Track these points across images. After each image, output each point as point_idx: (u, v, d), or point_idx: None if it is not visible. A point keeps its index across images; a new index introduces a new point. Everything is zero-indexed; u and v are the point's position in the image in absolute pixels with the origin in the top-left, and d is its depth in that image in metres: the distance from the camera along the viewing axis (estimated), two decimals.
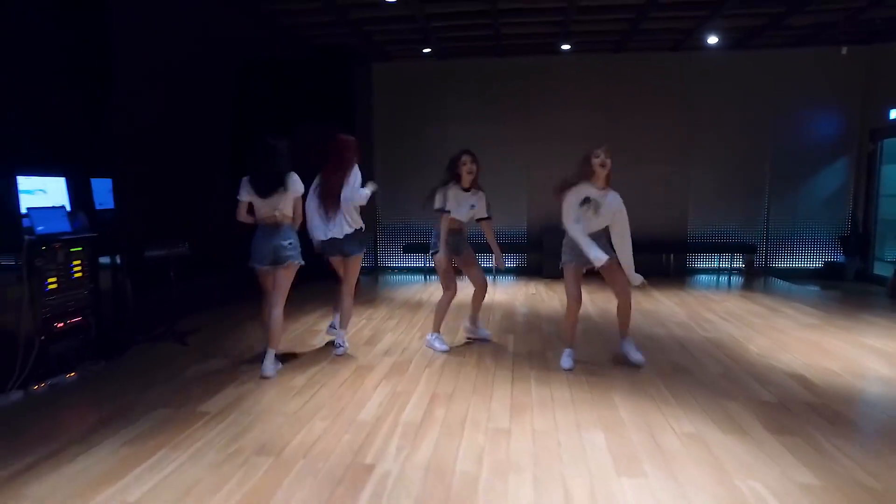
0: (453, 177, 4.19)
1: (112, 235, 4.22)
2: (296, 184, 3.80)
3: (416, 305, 6.17)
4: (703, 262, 8.54)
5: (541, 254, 8.23)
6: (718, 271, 8.39)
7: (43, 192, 3.87)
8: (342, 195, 4.09)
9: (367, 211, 4.42)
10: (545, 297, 6.70)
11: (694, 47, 7.72)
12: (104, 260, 4.16)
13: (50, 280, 3.61)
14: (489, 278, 4.83)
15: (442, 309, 4.40)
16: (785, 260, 8.31)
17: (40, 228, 3.61)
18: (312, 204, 4.15)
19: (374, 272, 8.71)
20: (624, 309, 3.92)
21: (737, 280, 7.88)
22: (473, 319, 4.60)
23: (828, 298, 6.58)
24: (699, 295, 6.70)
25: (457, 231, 4.27)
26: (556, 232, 7.94)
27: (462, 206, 4.21)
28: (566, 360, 3.92)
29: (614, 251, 3.81)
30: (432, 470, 2.48)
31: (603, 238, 3.81)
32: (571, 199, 3.69)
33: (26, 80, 3.78)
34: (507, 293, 6.87)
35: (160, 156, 5.51)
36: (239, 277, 6.32)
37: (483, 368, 3.92)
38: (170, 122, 5.70)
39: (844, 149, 7.96)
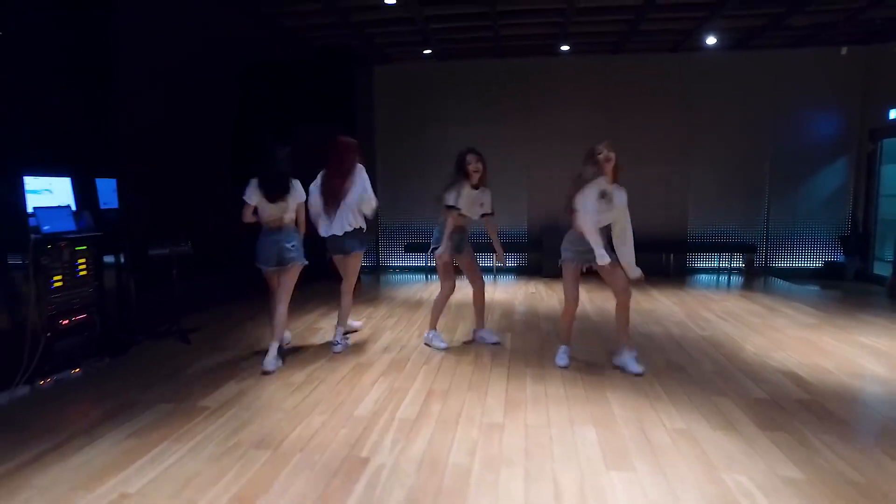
0: (463, 175, 4.20)
1: (116, 234, 4.29)
2: (298, 189, 4.02)
3: (416, 304, 6.23)
4: (703, 262, 8.57)
5: (541, 253, 8.28)
6: (718, 271, 8.41)
7: (49, 192, 3.94)
8: (350, 197, 4.22)
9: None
10: (544, 295, 6.74)
11: (693, 48, 7.75)
12: (108, 259, 4.24)
13: (55, 278, 3.69)
14: (490, 278, 4.89)
15: (439, 306, 4.45)
16: (785, 260, 8.33)
17: (46, 228, 3.68)
18: (315, 203, 4.27)
19: (375, 271, 8.79)
20: (623, 310, 3.83)
21: (737, 280, 7.90)
22: (480, 324, 4.59)
23: (827, 298, 6.59)
24: (698, 294, 6.74)
25: (461, 229, 4.31)
26: (555, 231, 8.01)
27: (473, 204, 4.26)
28: (562, 358, 3.96)
29: (614, 251, 3.81)
30: (426, 463, 2.54)
31: (604, 237, 3.79)
32: (590, 193, 3.61)
33: (32, 82, 3.86)
34: (506, 292, 6.93)
35: (163, 156, 5.59)
36: (239, 277, 6.43)
37: (480, 366, 3.98)
38: (172, 122, 5.79)
39: (844, 149, 7.97)
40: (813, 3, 6.01)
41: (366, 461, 2.56)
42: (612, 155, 3.64)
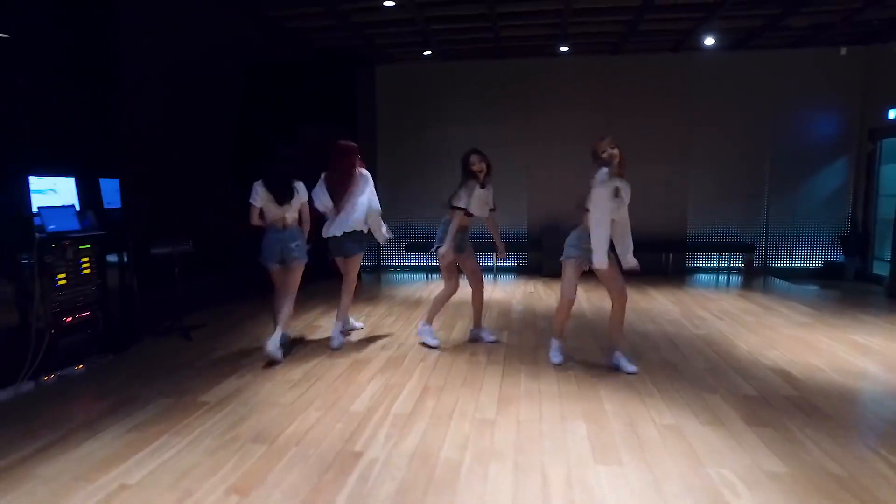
0: (471, 176, 4.23)
1: (119, 234, 4.37)
2: (301, 189, 4.20)
3: (416, 303, 6.29)
4: (702, 262, 8.60)
5: (540, 253, 8.34)
6: (717, 271, 8.43)
7: (54, 192, 4.03)
8: (355, 200, 4.40)
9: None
10: (542, 295, 6.80)
11: (693, 48, 7.78)
12: (111, 257, 4.32)
13: (59, 276, 3.77)
14: (489, 277, 4.95)
15: (439, 302, 4.48)
16: (784, 259, 8.34)
17: (51, 227, 3.77)
18: (323, 206, 4.44)
19: (376, 271, 8.86)
20: (619, 312, 3.84)
21: (736, 279, 7.93)
22: (478, 323, 4.64)
23: (825, 297, 6.62)
24: (696, 294, 6.77)
25: (463, 229, 4.35)
26: (556, 231, 8.10)
27: (482, 203, 4.31)
28: (555, 355, 4.01)
29: (613, 250, 3.80)
30: (417, 457, 2.61)
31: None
32: (602, 192, 3.57)
33: (37, 84, 3.95)
34: (505, 291, 6.98)
35: (166, 157, 5.68)
36: (240, 276, 6.52)
37: (475, 363, 4.04)
38: (175, 124, 5.87)
39: (844, 149, 7.99)
40: (810, 5, 6.04)
41: (359, 455, 2.62)
42: (616, 151, 3.60)
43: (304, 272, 4.29)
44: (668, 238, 8.31)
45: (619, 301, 3.82)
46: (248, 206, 4.12)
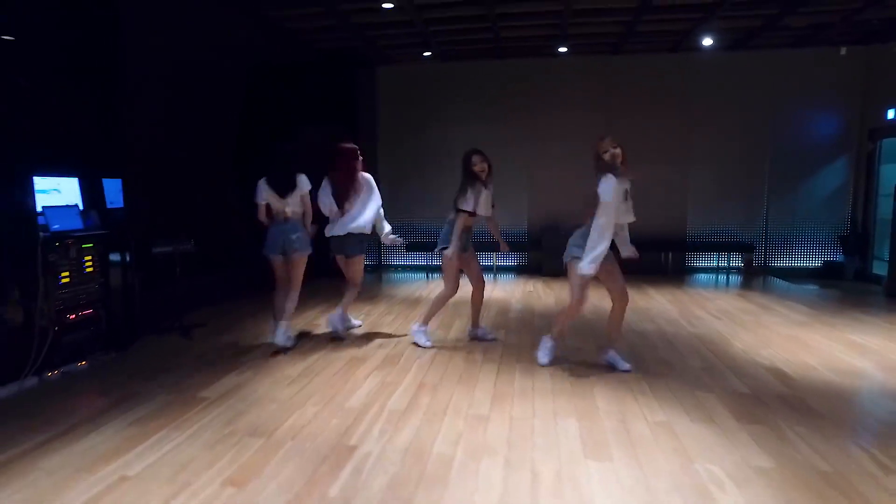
0: (473, 177, 4.24)
1: (121, 233, 4.44)
2: (303, 182, 4.32)
3: (415, 302, 6.35)
4: (702, 262, 8.62)
5: (541, 252, 8.38)
6: (717, 270, 8.45)
7: (57, 192, 4.10)
8: (364, 206, 4.55)
9: None
10: (542, 294, 6.84)
11: (692, 48, 7.80)
12: (114, 256, 4.38)
13: (63, 274, 3.84)
14: (490, 277, 4.99)
15: (438, 304, 4.50)
16: (784, 259, 8.35)
17: (55, 226, 3.84)
18: (326, 207, 4.58)
19: (377, 270, 8.92)
20: (619, 313, 3.82)
21: (735, 279, 7.95)
22: (476, 322, 4.68)
23: (823, 297, 6.63)
24: (694, 293, 6.80)
25: (468, 229, 4.37)
26: (555, 231, 8.14)
27: (487, 203, 4.33)
28: (545, 356, 3.94)
29: (614, 249, 3.76)
30: (411, 451, 2.66)
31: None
32: (611, 201, 3.50)
33: (42, 85, 4.01)
34: (504, 290, 7.03)
35: (167, 157, 5.75)
36: (241, 275, 6.59)
37: (471, 361, 4.09)
38: (177, 124, 5.94)
39: (843, 148, 7.99)
40: (808, 5, 6.05)
41: (353, 449, 2.67)
42: (618, 150, 3.56)
43: (307, 269, 4.43)
44: (668, 238, 8.33)
45: (621, 303, 3.81)
46: (254, 206, 4.32)
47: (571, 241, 3.74)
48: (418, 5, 6.10)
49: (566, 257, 3.76)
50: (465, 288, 4.64)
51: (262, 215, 4.32)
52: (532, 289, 7.19)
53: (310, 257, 4.44)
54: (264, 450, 2.66)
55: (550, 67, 8.43)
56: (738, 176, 8.27)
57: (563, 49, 7.84)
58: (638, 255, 3.81)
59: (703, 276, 8.18)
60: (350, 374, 3.78)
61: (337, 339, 4.66)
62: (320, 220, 4.63)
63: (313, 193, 4.47)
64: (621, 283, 3.77)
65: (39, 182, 3.92)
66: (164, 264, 4.77)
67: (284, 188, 4.27)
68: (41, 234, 3.71)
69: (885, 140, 7.50)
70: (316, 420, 3.01)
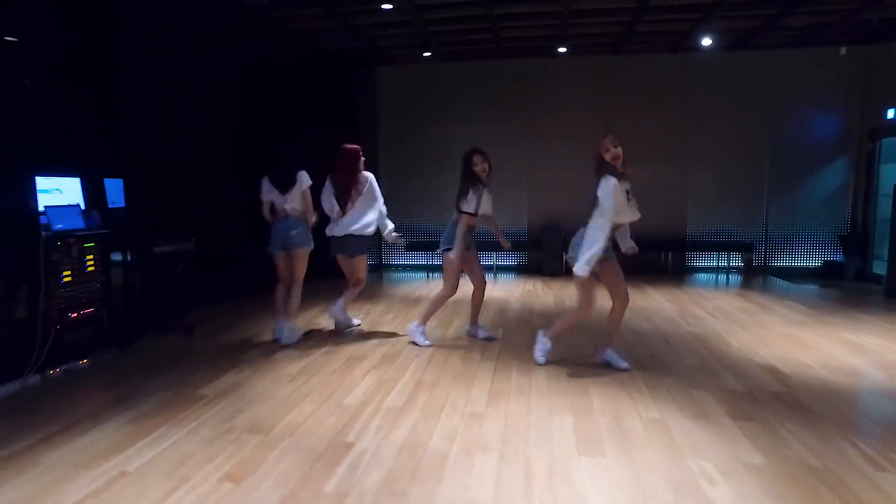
0: (473, 177, 4.26)
1: (123, 232, 4.49)
2: (304, 178, 4.46)
3: (415, 301, 6.38)
4: (702, 261, 8.63)
5: (540, 252, 8.40)
6: (717, 270, 8.47)
7: (59, 192, 4.15)
8: (361, 203, 4.60)
9: None
10: (541, 293, 6.87)
11: (692, 48, 7.82)
12: (115, 255, 4.43)
13: (65, 273, 3.88)
14: (490, 276, 5.02)
15: (437, 303, 4.51)
16: (784, 259, 8.36)
17: (57, 226, 3.88)
18: (328, 207, 4.68)
19: (378, 270, 8.96)
20: (619, 314, 3.82)
21: (735, 279, 7.96)
22: (474, 320, 4.71)
23: (822, 297, 6.64)
24: (693, 293, 6.82)
25: (471, 229, 4.38)
26: (555, 231, 8.17)
27: (488, 202, 4.35)
28: (540, 356, 3.93)
29: (618, 250, 3.75)
30: (406, 448, 2.69)
31: (612, 238, 3.72)
32: (611, 203, 3.49)
33: (44, 85, 4.06)
34: (504, 290, 7.06)
35: (169, 158, 5.80)
36: (241, 274, 6.64)
37: (469, 359, 4.12)
38: (179, 125, 5.99)
39: (843, 148, 8.00)
40: (808, 5, 6.07)
41: (350, 446, 2.71)
42: (619, 150, 3.55)
43: (310, 266, 4.58)
44: (668, 237, 8.35)
45: (621, 303, 3.81)
46: (258, 203, 4.48)
47: (574, 241, 3.71)
48: (418, 6, 6.14)
49: (569, 259, 3.73)
50: (465, 287, 4.67)
51: (264, 212, 4.49)
52: (531, 288, 7.22)
53: (312, 253, 4.55)
54: (262, 446, 2.70)
55: (550, 67, 8.46)
56: (738, 176, 8.29)
57: (562, 49, 7.87)
58: (637, 249, 3.81)
59: (703, 276, 8.19)
60: (348, 373, 3.81)
61: (338, 332, 4.80)
62: (322, 217, 4.71)
63: (314, 190, 4.55)
64: (623, 283, 3.76)
65: (41, 182, 3.96)
66: (165, 264, 4.82)
67: (285, 184, 4.42)
68: (43, 233, 3.74)
69: (885, 140, 7.50)
70: (313, 417, 3.05)
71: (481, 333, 4.67)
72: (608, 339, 3.95)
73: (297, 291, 4.53)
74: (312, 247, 4.56)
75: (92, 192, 4.42)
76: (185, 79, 5.95)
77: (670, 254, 8.42)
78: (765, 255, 8.39)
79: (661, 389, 3.47)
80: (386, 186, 8.39)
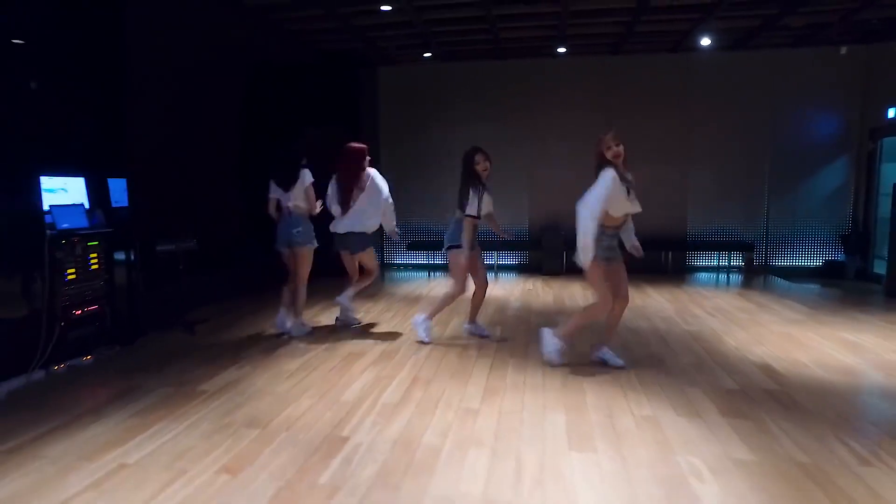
0: (474, 177, 4.28)
1: (126, 231, 4.56)
2: (306, 176, 4.58)
3: (415, 300, 6.44)
4: (702, 261, 8.64)
5: (541, 252, 8.44)
6: (718, 270, 8.47)
7: (64, 191, 4.21)
8: (363, 200, 4.69)
9: None
10: (540, 292, 6.90)
11: (692, 48, 7.83)
12: (119, 254, 4.50)
13: (69, 271, 3.95)
14: (491, 275, 5.06)
15: (446, 301, 4.51)
16: (785, 258, 8.36)
17: (61, 224, 3.95)
18: (330, 207, 4.81)
19: (379, 269, 8.99)
20: (619, 313, 3.83)
21: (736, 278, 7.97)
22: (473, 319, 4.75)
23: (822, 296, 6.64)
24: (693, 292, 6.83)
25: (474, 229, 4.39)
26: (555, 230, 8.19)
27: (488, 203, 4.37)
28: (555, 356, 3.84)
29: (623, 249, 3.75)
30: (400, 442, 2.74)
31: (617, 236, 3.73)
32: (604, 191, 3.49)
33: (49, 87, 4.14)
34: (504, 289, 7.10)
35: (172, 158, 5.86)
36: (242, 273, 6.70)
37: (466, 356, 4.16)
38: (182, 126, 6.06)
39: (844, 148, 7.99)
40: (807, 5, 6.07)
41: (345, 440, 2.76)
42: (621, 149, 3.54)
43: (314, 264, 4.72)
44: (668, 237, 8.36)
45: (621, 303, 3.82)
46: (265, 201, 4.68)
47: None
48: (417, 7, 6.19)
49: (575, 259, 3.71)
50: (468, 285, 4.69)
51: (270, 209, 4.66)
52: (531, 287, 7.26)
53: (316, 251, 4.69)
54: (259, 440, 2.76)
55: (550, 68, 8.49)
56: (738, 175, 8.29)
57: (562, 50, 7.90)
58: (641, 251, 3.80)
59: (703, 276, 8.20)
60: (347, 369, 3.87)
61: (343, 321, 5.04)
62: (326, 211, 4.84)
63: (319, 188, 4.67)
64: (625, 284, 3.77)
65: (46, 181, 4.03)
66: (167, 262, 4.89)
67: (286, 182, 4.55)
68: (48, 231, 3.82)
69: (885, 139, 7.48)
70: (311, 412, 3.10)
71: (478, 331, 4.71)
72: (606, 337, 3.98)
73: (299, 290, 4.66)
74: (315, 246, 4.66)
75: (96, 191, 4.48)
76: (186, 80, 6.02)
77: (670, 253, 8.43)
78: (765, 254, 8.39)
79: (656, 387, 3.51)
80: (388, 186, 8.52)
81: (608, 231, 3.64)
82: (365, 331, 4.96)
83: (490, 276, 4.78)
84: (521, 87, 8.57)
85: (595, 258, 3.58)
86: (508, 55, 8.31)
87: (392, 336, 4.77)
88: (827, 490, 2.28)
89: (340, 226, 4.75)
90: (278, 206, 4.64)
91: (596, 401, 3.28)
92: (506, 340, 4.64)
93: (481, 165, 4.30)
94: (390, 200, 4.88)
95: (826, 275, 7.91)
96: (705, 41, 7.39)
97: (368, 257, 4.94)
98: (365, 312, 5.67)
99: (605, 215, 3.58)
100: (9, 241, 3.72)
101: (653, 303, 6.14)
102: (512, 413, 3.10)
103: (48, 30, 4.08)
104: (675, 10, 6.42)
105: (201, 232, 5.23)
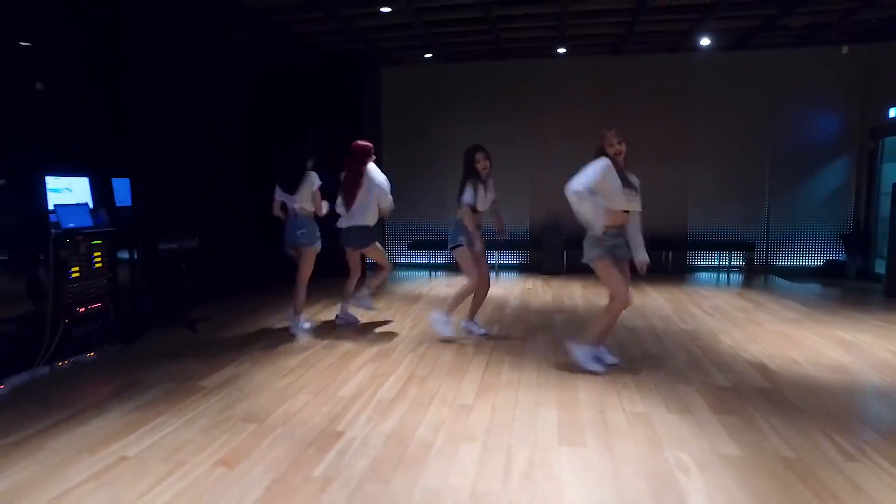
0: (473, 172, 4.36)
1: (129, 230, 4.64)
2: (313, 179, 4.63)
3: (414, 299, 6.49)
4: (703, 261, 8.65)
5: (541, 251, 8.48)
6: (718, 269, 8.48)
7: (69, 191, 4.30)
8: (363, 198, 4.77)
9: None
10: (540, 291, 6.94)
11: (692, 48, 7.85)
12: (122, 252, 4.58)
13: (73, 269, 4.03)
14: (491, 274, 5.12)
15: (463, 295, 4.53)
16: (786, 258, 8.37)
17: (66, 224, 4.03)
18: (337, 206, 4.91)
19: (376, 267, 9.06)
20: (614, 314, 3.79)
21: (736, 278, 7.98)
22: (471, 316, 4.79)
23: (821, 295, 6.65)
24: (692, 291, 6.85)
25: (477, 226, 4.47)
26: (556, 230, 8.23)
27: (486, 199, 4.44)
28: (596, 366, 3.70)
29: (629, 248, 3.73)
30: (393, 437, 2.79)
31: (623, 236, 3.70)
32: (610, 179, 3.49)
33: (54, 89, 4.23)
34: (503, 288, 7.14)
35: (174, 158, 5.96)
36: (243, 271, 6.79)
37: (462, 354, 4.22)
38: (185, 127, 6.15)
39: (844, 147, 7.99)
40: (806, 4, 6.08)
41: (340, 434, 2.82)
42: (623, 148, 3.54)
43: (316, 265, 4.81)
44: (669, 237, 8.38)
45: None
46: (271, 201, 4.80)
47: (585, 243, 3.70)
48: (417, 8, 6.24)
49: (585, 259, 3.71)
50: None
51: (274, 210, 4.79)
52: (531, 286, 7.30)
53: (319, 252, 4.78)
54: (256, 434, 2.82)
55: (551, 68, 8.53)
56: (738, 175, 8.30)
57: (562, 50, 7.94)
58: (646, 268, 3.72)
59: (703, 275, 8.22)
60: (344, 366, 3.93)
61: (345, 323, 5.14)
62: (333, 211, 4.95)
63: (326, 190, 4.75)
64: (627, 284, 3.76)
65: (52, 181, 4.11)
66: (170, 261, 4.98)
67: (291, 186, 4.65)
68: (53, 230, 3.90)
69: (887, 139, 7.47)
70: (307, 407, 3.17)
71: (476, 330, 4.76)
72: (601, 337, 4.01)
73: (300, 289, 4.76)
74: (319, 247, 4.75)
75: (100, 191, 4.57)
76: (189, 81, 6.11)
77: (671, 253, 8.45)
78: (766, 254, 8.40)
79: (649, 385, 3.55)
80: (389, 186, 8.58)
81: (610, 231, 3.64)
82: (364, 329, 5.02)
83: (491, 276, 4.83)
84: (521, 87, 8.61)
85: (601, 255, 3.61)
86: (509, 56, 8.35)
87: (390, 334, 4.83)
88: (809, 484, 2.31)
89: (343, 222, 4.89)
90: (283, 207, 4.74)
91: (588, 397, 3.33)
92: (487, 336, 4.69)
93: (481, 164, 4.38)
94: (385, 188, 4.81)
95: (827, 274, 7.91)
96: (705, 41, 7.41)
97: (377, 253, 5.05)
98: (364, 311, 5.72)
99: (606, 215, 3.59)
100: (14, 240, 3.81)
101: (651, 302, 6.17)
102: (505, 409, 3.15)
103: (52, 31, 4.16)
104: (674, 11, 6.44)
105: (203, 231, 5.31)
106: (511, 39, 7.54)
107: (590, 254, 3.66)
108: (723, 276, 8.14)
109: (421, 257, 9.13)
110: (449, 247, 4.50)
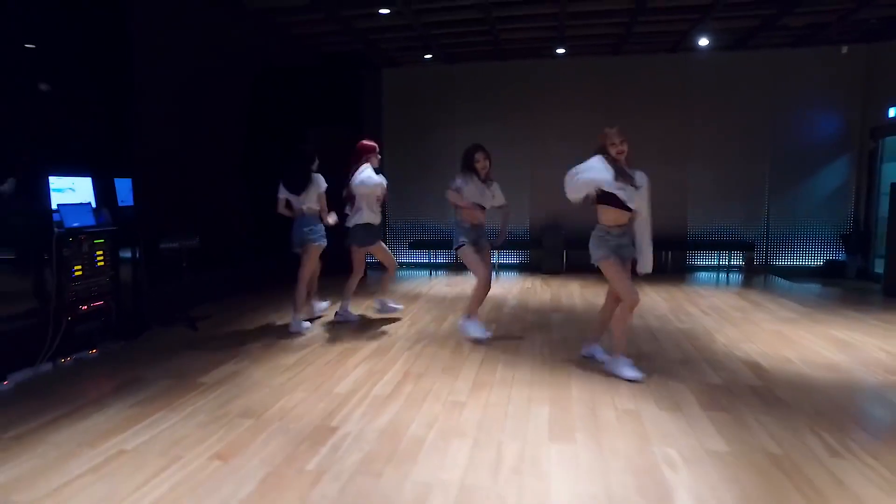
0: (470, 169, 4.42)
1: (131, 229, 4.71)
2: (319, 181, 4.76)
3: (414, 298, 6.53)
4: (702, 260, 8.67)
5: (541, 251, 8.51)
6: (718, 269, 8.49)
7: (72, 191, 4.37)
8: (354, 183, 4.88)
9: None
10: (539, 291, 6.98)
11: (692, 48, 7.87)
12: (124, 251, 4.65)
13: (76, 268, 4.10)
14: (492, 274, 5.15)
15: (478, 296, 4.53)
16: (786, 258, 8.37)
17: (69, 223, 4.10)
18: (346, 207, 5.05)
19: (381, 268, 9.11)
20: (612, 311, 3.81)
21: (736, 277, 7.99)
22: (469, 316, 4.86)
23: (820, 295, 6.66)
24: (690, 291, 6.87)
25: (478, 226, 4.50)
26: (556, 230, 8.26)
27: (484, 195, 4.47)
28: (632, 373, 3.57)
29: (634, 248, 3.68)
30: (387, 432, 2.84)
31: (629, 235, 3.65)
32: (602, 167, 3.50)
33: (57, 90, 4.30)
34: (503, 287, 7.18)
35: (176, 159, 6.03)
36: (244, 270, 6.85)
37: (458, 352, 4.26)
38: (187, 127, 6.22)
39: (844, 147, 7.99)
40: (805, 5, 6.10)
41: (334, 430, 2.87)
42: (625, 148, 3.50)
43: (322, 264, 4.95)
44: (668, 236, 8.39)
45: (616, 303, 3.83)
46: (275, 200, 4.87)
47: (590, 244, 3.70)
48: (416, 10, 6.29)
49: (593, 260, 3.70)
50: (468, 283, 4.80)
51: (279, 207, 4.85)
52: (530, 286, 7.34)
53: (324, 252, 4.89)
54: (252, 429, 2.88)
55: (550, 68, 8.56)
56: (738, 175, 8.31)
57: (561, 50, 7.97)
58: (645, 272, 3.68)
59: (703, 275, 8.23)
60: (341, 363, 3.98)
61: (344, 321, 5.19)
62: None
63: (330, 191, 4.86)
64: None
65: (55, 181, 4.18)
66: (171, 260, 5.05)
67: (297, 187, 4.74)
68: (56, 230, 3.97)
69: (887, 138, 7.47)
70: (303, 404, 3.22)
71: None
72: (595, 334, 4.06)
73: (301, 287, 4.83)
74: (324, 245, 4.85)
75: (102, 191, 4.64)
76: (191, 82, 6.18)
77: (670, 253, 8.46)
78: (766, 254, 8.40)
79: (641, 383, 3.58)
80: (390, 186, 8.57)
81: (612, 230, 3.63)
82: (362, 327, 5.08)
83: (491, 276, 4.86)
84: (521, 87, 8.65)
85: (607, 256, 3.60)
86: (508, 56, 8.39)
87: (388, 333, 4.88)
88: (794, 479, 2.35)
89: (349, 220, 5.00)
90: (288, 206, 4.82)
91: (580, 394, 3.37)
92: (502, 337, 4.72)
93: (480, 164, 4.43)
94: (366, 184, 4.85)
95: (827, 274, 7.91)
96: (704, 41, 7.43)
97: (381, 252, 5.16)
98: (364, 309, 5.78)
99: (606, 213, 3.62)
100: (18, 239, 3.88)
101: (648, 301, 6.19)
102: (497, 406, 3.20)
103: (53, 32, 4.23)
104: (673, 11, 6.47)
105: (204, 230, 5.38)
106: (510, 40, 7.58)
107: (596, 254, 3.66)
108: (722, 275, 8.16)
109: (422, 257, 9.18)
110: (454, 248, 4.56)
